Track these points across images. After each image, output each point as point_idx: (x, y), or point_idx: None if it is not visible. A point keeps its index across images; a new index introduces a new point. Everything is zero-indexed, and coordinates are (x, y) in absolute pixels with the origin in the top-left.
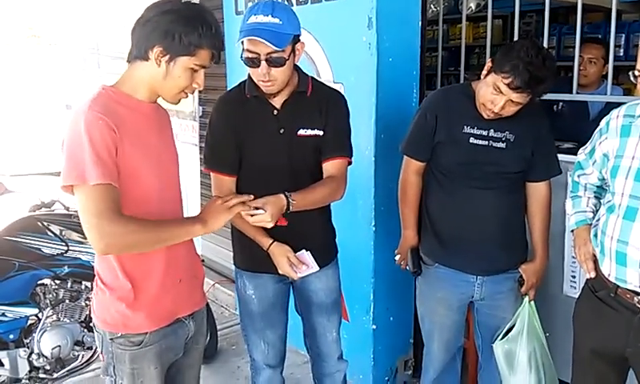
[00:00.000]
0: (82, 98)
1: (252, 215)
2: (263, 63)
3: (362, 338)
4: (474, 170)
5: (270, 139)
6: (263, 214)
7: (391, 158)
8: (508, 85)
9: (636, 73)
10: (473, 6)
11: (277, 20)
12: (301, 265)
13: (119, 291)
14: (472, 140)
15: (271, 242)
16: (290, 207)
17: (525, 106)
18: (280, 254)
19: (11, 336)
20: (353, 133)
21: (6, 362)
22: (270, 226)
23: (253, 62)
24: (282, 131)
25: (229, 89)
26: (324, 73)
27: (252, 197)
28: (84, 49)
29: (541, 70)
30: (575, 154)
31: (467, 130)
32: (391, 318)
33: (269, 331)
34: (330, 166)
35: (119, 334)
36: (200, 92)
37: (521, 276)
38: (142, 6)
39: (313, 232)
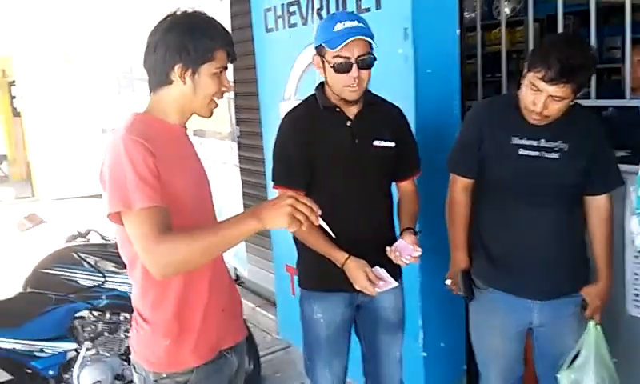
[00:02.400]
0: (117, 126)
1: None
2: (354, 66)
3: (413, 367)
4: (525, 183)
5: (344, 150)
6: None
7: (433, 175)
8: (542, 78)
9: None
10: (507, 10)
11: (362, 24)
12: (378, 280)
13: (162, 326)
14: (522, 151)
15: (347, 256)
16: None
17: (577, 113)
18: (357, 268)
19: (51, 372)
20: None
21: None
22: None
23: (344, 67)
24: (356, 141)
25: (294, 106)
26: None
27: (320, 210)
28: (118, 72)
29: (573, 58)
30: (631, 163)
31: (516, 141)
32: (442, 344)
33: (335, 360)
34: (408, 184)
35: (164, 374)
36: (237, 112)
37: (584, 299)
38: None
39: (383, 248)
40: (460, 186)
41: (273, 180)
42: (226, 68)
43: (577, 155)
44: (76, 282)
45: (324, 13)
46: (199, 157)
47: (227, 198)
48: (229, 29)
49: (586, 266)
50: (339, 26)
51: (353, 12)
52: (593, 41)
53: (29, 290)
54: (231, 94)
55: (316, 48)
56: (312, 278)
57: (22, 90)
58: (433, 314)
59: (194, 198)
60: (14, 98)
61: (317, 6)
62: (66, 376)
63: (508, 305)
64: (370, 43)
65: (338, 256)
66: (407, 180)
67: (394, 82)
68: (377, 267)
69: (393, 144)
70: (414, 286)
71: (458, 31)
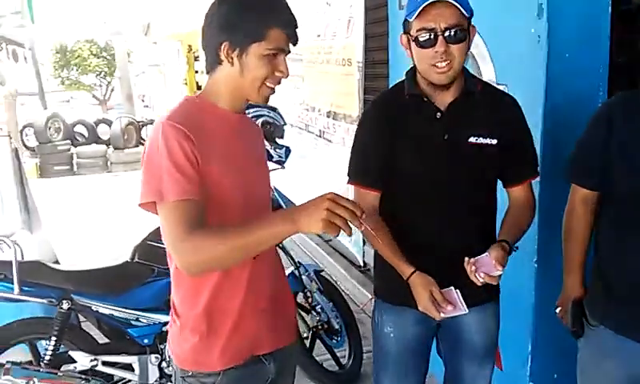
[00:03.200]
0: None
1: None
2: (440, 39)
3: None
4: None
5: (430, 147)
6: (500, 275)
7: (562, 179)
8: None
9: None
10: None
11: None
12: (446, 303)
13: (192, 322)
14: None
15: (413, 270)
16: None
17: None
18: (422, 285)
19: (146, 341)
20: None
21: (136, 366)
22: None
23: (428, 40)
24: (446, 137)
25: (385, 91)
26: (486, 72)
27: (363, 214)
28: None
29: None
30: None
31: None
32: (555, 376)
33: (405, 381)
34: (522, 190)
35: (190, 372)
36: (365, 94)
37: None
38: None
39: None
40: (580, 198)
41: (347, 175)
42: (283, 50)
43: None
44: None
45: None
46: (260, 148)
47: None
48: (358, 7)
49: None
50: None
51: None
52: None
53: (136, 259)
54: (361, 76)
55: (403, 25)
56: (385, 288)
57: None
58: (546, 340)
59: (240, 189)
60: (196, 72)
61: None
62: (161, 346)
63: (622, 350)
64: (463, 14)
65: (404, 268)
66: (517, 185)
67: (524, 67)
68: (451, 288)
69: (495, 141)
70: (527, 307)
71: (609, 9)
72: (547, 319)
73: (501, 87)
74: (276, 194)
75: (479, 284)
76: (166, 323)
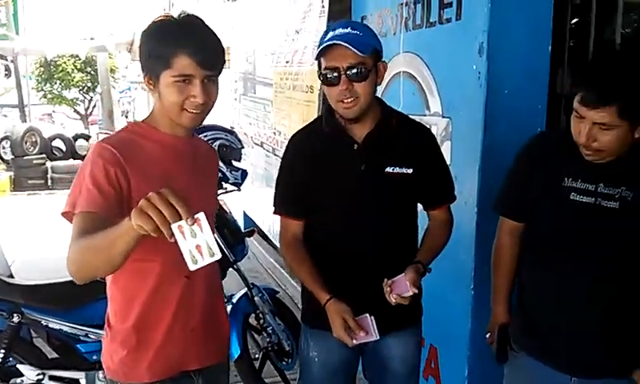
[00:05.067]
0: None
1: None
2: (344, 77)
3: None
4: (575, 236)
5: (348, 177)
6: (412, 295)
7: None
8: (581, 102)
9: None
10: None
11: (357, 31)
12: (359, 330)
13: (122, 335)
14: (574, 196)
15: (329, 297)
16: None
17: None
18: (336, 312)
19: (94, 357)
20: (456, 177)
21: (83, 382)
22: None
23: (332, 79)
24: (363, 168)
25: (303, 126)
26: (433, 106)
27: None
28: (242, 74)
29: (617, 76)
30: None
31: (568, 182)
32: None
33: None
34: (439, 213)
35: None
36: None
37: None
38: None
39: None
40: (507, 229)
41: (273, 205)
42: (193, 76)
43: None
44: None
45: (410, 22)
46: (212, 182)
47: None
48: None
49: None
50: (330, 35)
51: (355, 21)
52: None
53: None
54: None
55: (316, 60)
56: (309, 314)
57: None
58: (483, 364)
59: None
60: None
61: (404, 15)
62: None
63: (542, 376)
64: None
65: (321, 295)
66: (436, 209)
67: (466, 102)
68: (365, 315)
69: (411, 170)
70: (464, 333)
71: (549, 48)
72: (483, 345)
73: (445, 120)
74: (232, 215)
75: (393, 304)
76: None
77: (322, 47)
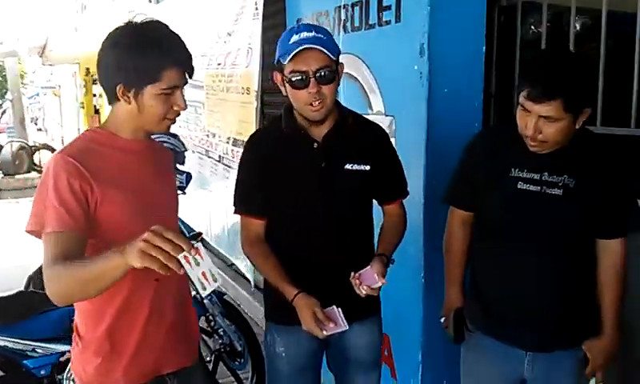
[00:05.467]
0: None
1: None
2: (312, 80)
3: None
4: (523, 222)
5: (309, 175)
6: (381, 286)
7: (444, 204)
8: (527, 97)
9: None
10: (578, 26)
11: (321, 35)
12: (328, 322)
13: (95, 344)
14: (520, 185)
15: (296, 292)
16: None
17: (588, 143)
18: (305, 306)
19: (42, 372)
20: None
21: None
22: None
23: (300, 83)
24: (323, 165)
25: (262, 128)
26: (375, 104)
27: (194, 245)
28: None
29: (562, 71)
30: None
31: (515, 172)
32: (444, 382)
33: None
34: (393, 208)
35: None
36: (264, 121)
37: (585, 354)
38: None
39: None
40: (457, 219)
41: (233, 205)
42: (178, 87)
43: (584, 192)
44: None
45: (349, 24)
46: (168, 174)
47: None
48: (256, 37)
49: (590, 317)
50: (295, 38)
51: (314, 25)
52: None
53: (31, 288)
54: (258, 104)
55: (276, 64)
56: (274, 310)
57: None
58: (435, 350)
59: (141, 218)
60: (94, 95)
61: (343, 17)
62: (59, 377)
63: (498, 353)
64: (331, 56)
65: (288, 291)
66: (390, 204)
67: (409, 101)
68: (332, 307)
69: (368, 167)
70: (416, 319)
71: (483, 48)
72: (435, 330)
73: (389, 118)
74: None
75: (363, 296)
76: (64, 353)
77: (295, 51)
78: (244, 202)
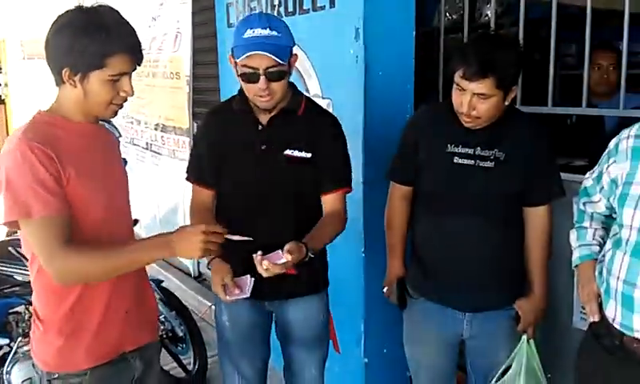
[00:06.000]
0: (19, 126)
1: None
2: (262, 78)
3: (354, 372)
4: (459, 193)
5: (250, 155)
6: (285, 262)
7: (382, 180)
8: (463, 76)
9: None
10: (490, 13)
11: (275, 32)
12: (234, 288)
13: (58, 324)
14: (456, 159)
15: (213, 257)
16: (307, 259)
17: (516, 120)
18: (217, 272)
19: None
20: None
21: None
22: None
23: (250, 78)
24: (263, 148)
25: (219, 103)
26: (312, 87)
27: (226, 230)
28: None
29: (492, 52)
30: (584, 173)
31: (451, 148)
32: (385, 350)
33: (244, 363)
34: (331, 200)
35: (56, 375)
36: (195, 107)
37: (517, 312)
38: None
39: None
40: (398, 194)
41: (186, 172)
42: (126, 73)
43: (513, 164)
44: (12, 276)
45: (282, 9)
46: (118, 157)
47: (184, 194)
48: (186, 22)
49: (520, 279)
50: (249, 33)
51: (274, 15)
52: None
53: None
54: (190, 89)
55: (232, 50)
56: None
57: (8, 77)
58: (376, 320)
59: (102, 201)
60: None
61: (275, 2)
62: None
63: (439, 315)
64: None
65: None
66: (327, 194)
67: (345, 84)
68: (247, 276)
69: (309, 155)
70: (358, 293)
71: (413, 33)
72: (376, 302)
73: (326, 101)
74: None
75: (264, 274)
76: (1, 347)
77: (245, 54)
78: (193, 170)
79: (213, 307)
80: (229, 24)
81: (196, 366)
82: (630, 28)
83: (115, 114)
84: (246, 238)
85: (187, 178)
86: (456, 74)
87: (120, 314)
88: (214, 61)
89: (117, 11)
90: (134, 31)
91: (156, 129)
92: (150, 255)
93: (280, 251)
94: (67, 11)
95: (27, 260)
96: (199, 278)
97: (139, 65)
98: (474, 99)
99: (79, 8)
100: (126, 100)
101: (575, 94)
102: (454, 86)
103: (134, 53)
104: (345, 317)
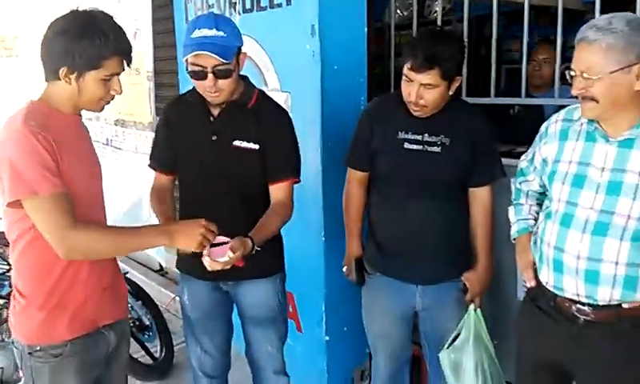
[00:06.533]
0: (13, 114)
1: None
2: (210, 76)
3: (316, 350)
4: (410, 176)
5: (203, 144)
6: (231, 258)
7: (339, 167)
8: (411, 68)
9: (572, 73)
10: (438, 9)
11: (221, 33)
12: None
13: (40, 300)
14: (407, 145)
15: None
16: (253, 252)
17: (459, 108)
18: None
19: None
20: (300, 143)
21: None
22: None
23: (199, 75)
24: (214, 138)
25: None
26: (271, 81)
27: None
28: None
29: (437, 45)
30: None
31: (401, 135)
32: (345, 328)
33: (205, 338)
34: (277, 190)
35: (38, 347)
36: (156, 102)
37: (464, 284)
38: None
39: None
40: (355, 179)
41: (149, 158)
42: (117, 74)
43: (458, 149)
44: None
45: (240, 6)
46: (93, 147)
47: (145, 188)
48: (146, 18)
49: (467, 254)
50: (196, 33)
51: (223, 15)
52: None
53: None
54: (152, 85)
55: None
56: (182, 262)
57: None
58: (335, 300)
59: (86, 188)
60: None
61: (234, 0)
62: None
63: (394, 289)
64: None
65: (163, 222)
66: (274, 184)
67: (303, 78)
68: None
69: (257, 146)
70: (319, 275)
71: (365, 29)
72: (335, 283)
73: (285, 94)
74: None
75: (209, 269)
76: None
77: (191, 54)
78: (153, 157)
79: (177, 298)
80: (187, 21)
81: (163, 353)
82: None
83: (102, 108)
84: (227, 240)
85: (149, 165)
86: (405, 67)
87: (98, 291)
88: (173, 56)
89: (111, 16)
90: (127, 36)
91: (116, 124)
92: (153, 242)
93: (227, 245)
94: (65, 15)
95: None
96: (161, 271)
97: (129, 66)
98: (421, 89)
99: (77, 12)
100: (114, 98)
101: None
102: (403, 77)
103: (126, 56)
104: (306, 297)
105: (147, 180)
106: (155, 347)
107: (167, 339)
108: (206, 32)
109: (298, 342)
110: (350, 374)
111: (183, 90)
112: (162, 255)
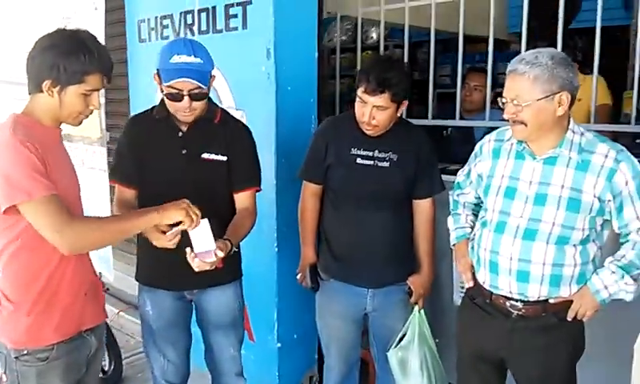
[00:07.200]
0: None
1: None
2: (186, 98)
3: (268, 357)
4: (361, 189)
5: (172, 158)
6: (214, 260)
7: (292, 182)
8: (365, 91)
9: (503, 100)
10: (375, 35)
11: (199, 59)
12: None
13: (28, 304)
14: (359, 160)
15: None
16: (232, 252)
17: (406, 129)
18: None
19: None
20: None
21: None
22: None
23: (175, 98)
24: (184, 152)
25: (139, 112)
26: (225, 100)
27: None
28: None
29: (389, 72)
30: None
31: (354, 151)
32: (295, 336)
33: (168, 348)
34: (243, 197)
35: (25, 351)
36: (107, 118)
37: (409, 287)
38: (34, 33)
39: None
40: (309, 192)
41: (110, 174)
42: (97, 90)
43: (404, 164)
44: None
45: (195, 28)
46: (70, 158)
47: (94, 203)
48: (98, 34)
49: (411, 260)
50: (175, 59)
51: (196, 41)
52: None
53: None
54: (102, 100)
55: (157, 69)
56: (143, 274)
57: None
58: (287, 309)
59: (67, 193)
60: None
61: (189, 21)
62: None
63: (346, 293)
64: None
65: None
66: (239, 192)
67: (258, 97)
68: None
69: (225, 158)
70: (271, 284)
71: (316, 53)
72: (287, 292)
73: (239, 112)
74: None
75: (196, 269)
76: None
77: (174, 80)
78: (117, 172)
79: (121, 314)
80: (140, 39)
81: (112, 367)
82: (496, 52)
83: (80, 122)
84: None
85: (111, 180)
86: (359, 90)
87: (80, 295)
88: (124, 73)
89: (94, 36)
90: (109, 54)
91: (63, 140)
92: (147, 219)
93: (212, 250)
94: (52, 32)
95: None
96: (103, 288)
97: (109, 83)
98: (373, 110)
99: (64, 30)
100: (92, 112)
101: (449, 110)
102: (357, 99)
103: (107, 73)
104: (259, 307)
105: (96, 193)
106: (104, 361)
107: (116, 353)
108: (185, 58)
109: (250, 351)
110: (299, 380)
111: (134, 105)
112: (104, 268)
